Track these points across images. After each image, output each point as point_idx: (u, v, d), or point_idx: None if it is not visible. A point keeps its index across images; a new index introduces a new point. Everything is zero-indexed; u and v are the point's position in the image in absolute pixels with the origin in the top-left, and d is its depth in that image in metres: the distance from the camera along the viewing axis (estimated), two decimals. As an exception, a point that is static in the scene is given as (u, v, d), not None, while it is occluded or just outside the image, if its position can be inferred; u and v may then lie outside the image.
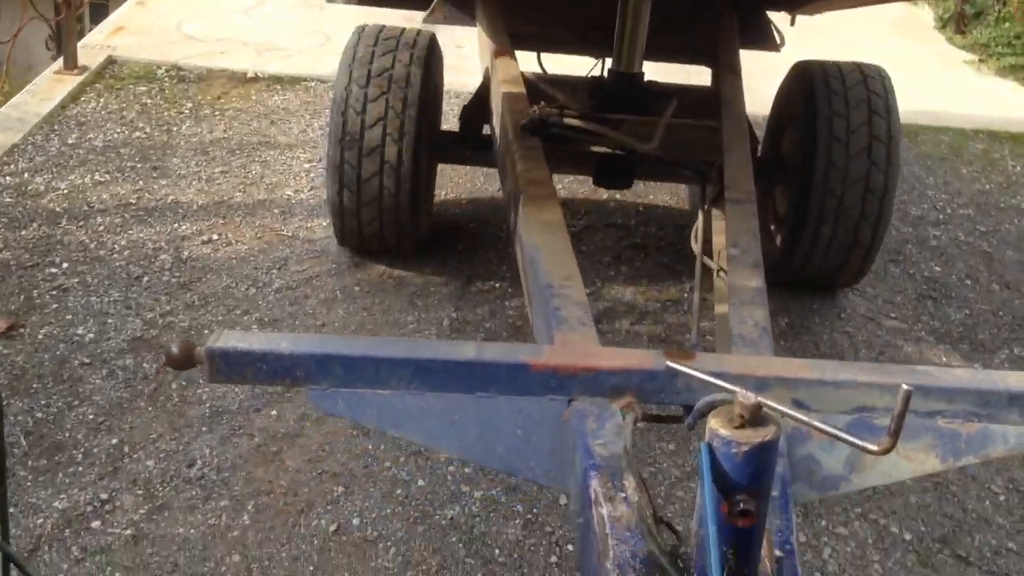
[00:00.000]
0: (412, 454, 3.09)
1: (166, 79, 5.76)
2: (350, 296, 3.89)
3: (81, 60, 5.76)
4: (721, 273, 2.71)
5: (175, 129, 5.17)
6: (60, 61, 5.61)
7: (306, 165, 4.91)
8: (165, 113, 5.35)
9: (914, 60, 7.56)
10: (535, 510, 2.92)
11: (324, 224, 4.39)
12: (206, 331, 3.60)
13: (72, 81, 5.51)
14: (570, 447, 1.70)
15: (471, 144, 4.12)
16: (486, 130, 4.05)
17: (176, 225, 4.28)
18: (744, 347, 2.14)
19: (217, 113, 5.40)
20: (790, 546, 1.49)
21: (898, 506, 3.06)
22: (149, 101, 5.47)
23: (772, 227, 4.22)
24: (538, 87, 3.86)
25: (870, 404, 1.75)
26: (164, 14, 6.59)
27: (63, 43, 5.55)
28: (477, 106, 4.09)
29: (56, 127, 5.07)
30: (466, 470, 3.05)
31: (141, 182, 4.62)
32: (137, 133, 5.09)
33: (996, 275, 4.54)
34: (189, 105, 5.47)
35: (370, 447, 3.10)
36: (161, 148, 4.96)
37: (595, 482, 1.56)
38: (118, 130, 5.10)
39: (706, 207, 3.23)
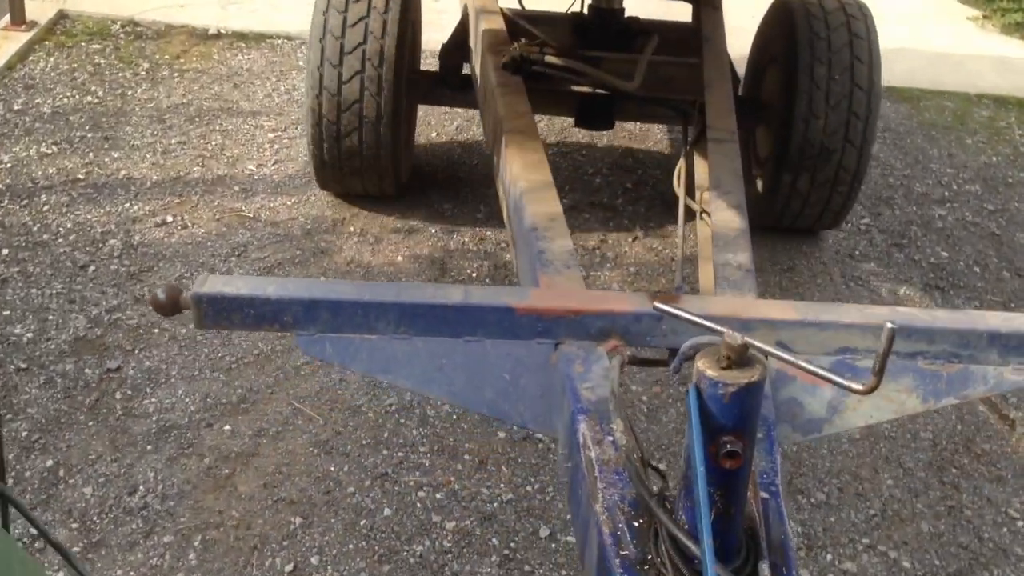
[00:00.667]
0: (377, 477, 2.82)
1: (121, 35, 5.36)
2: (315, 288, 3.58)
3: (30, 14, 5.34)
4: (704, 215, 2.66)
5: (130, 93, 4.79)
6: (7, 17, 5.20)
7: (270, 135, 4.56)
8: (120, 75, 4.96)
9: (913, 15, 7.19)
10: (512, 544, 2.66)
11: (289, 203, 4.06)
12: (155, 330, 3.30)
13: (20, 38, 5.10)
14: (558, 391, 1.69)
15: (451, 84, 4.01)
16: (466, 69, 3.93)
17: (128, 205, 3.94)
18: (728, 289, 2.11)
19: (176, 75, 5.02)
20: (775, 487, 1.48)
21: (909, 535, 2.82)
22: (103, 61, 5.07)
23: (754, 169, 4.16)
24: (517, 24, 3.71)
25: (853, 345, 1.75)
26: (122, -38, 6.14)
27: (9, -4, 5.14)
28: (456, 45, 3.97)
29: (1, 91, 4.69)
30: (437, 496, 2.78)
31: (91, 154, 4.26)
32: (89, 98, 4.71)
33: (1006, 261, 4.27)
34: (146, 66, 5.08)
35: (332, 468, 2.83)
36: (114, 115, 4.59)
37: (583, 426, 1.55)
38: (68, 94, 4.72)
39: (688, 147, 3.14)
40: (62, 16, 5.43)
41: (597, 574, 1.43)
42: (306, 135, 3.80)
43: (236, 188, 4.13)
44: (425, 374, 1.72)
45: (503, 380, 1.73)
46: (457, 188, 4.30)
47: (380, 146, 3.72)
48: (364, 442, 2.93)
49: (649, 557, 1.37)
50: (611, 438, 1.52)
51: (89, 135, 4.40)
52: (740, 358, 1.23)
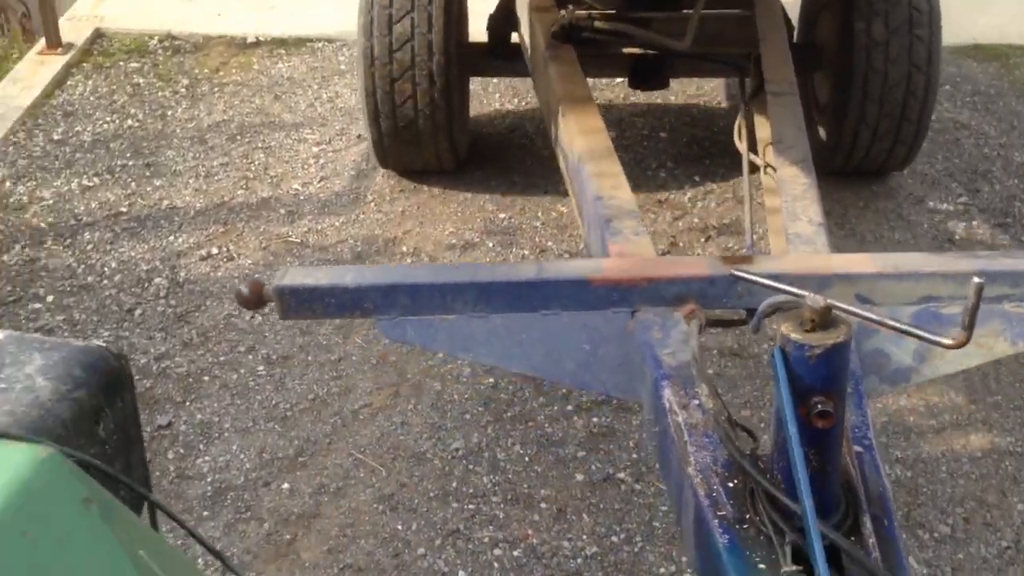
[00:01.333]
0: (448, 534, 2.61)
1: (159, 51, 5.18)
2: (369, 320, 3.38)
3: (67, 35, 5.20)
4: (769, 169, 2.61)
5: (170, 113, 4.62)
6: (43, 41, 5.06)
7: (315, 149, 4.35)
8: (159, 94, 4.79)
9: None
10: (599, 608, 2.44)
11: (337, 224, 3.86)
12: (205, 378, 3.12)
13: (56, 62, 4.96)
14: (638, 358, 1.68)
15: (501, 55, 3.98)
16: (515, 38, 3.91)
17: (172, 238, 3.77)
18: (801, 245, 2.07)
19: (216, 90, 4.83)
20: (868, 440, 1.48)
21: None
22: (142, 80, 4.91)
23: (815, 117, 4.03)
24: None
25: (935, 293, 1.73)
26: (156, -28, 5.97)
27: (44, 19, 4.99)
28: (504, 14, 3.93)
29: (40, 120, 4.55)
30: (515, 553, 2.57)
31: (133, 184, 4.10)
32: (129, 122, 4.55)
33: (1121, 236, 3.89)
34: (185, 82, 4.90)
35: (399, 527, 2.63)
36: (155, 138, 4.42)
37: (667, 391, 1.55)
38: (108, 119, 4.56)
39: (747, 102, 3.10)
40: (98, 35, 5.28)
41: (696, 536, 1.43)
42: (362, 111, 3.81)
43: (282, 211, 3.93)
44: (505, 350, 1.73)
45: (582, 351, 1.73)
46: (517, 166, 4.05)
47: (435, 113, 3.69)
48: (432, 494, 2.72)
49: (747, 516, 1.36)
50: (697, 401, 1.52)
51: (131, 163, 4.24)
52: (824, 320, 1.22)
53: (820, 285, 1.66)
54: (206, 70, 5.02)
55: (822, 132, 3.98)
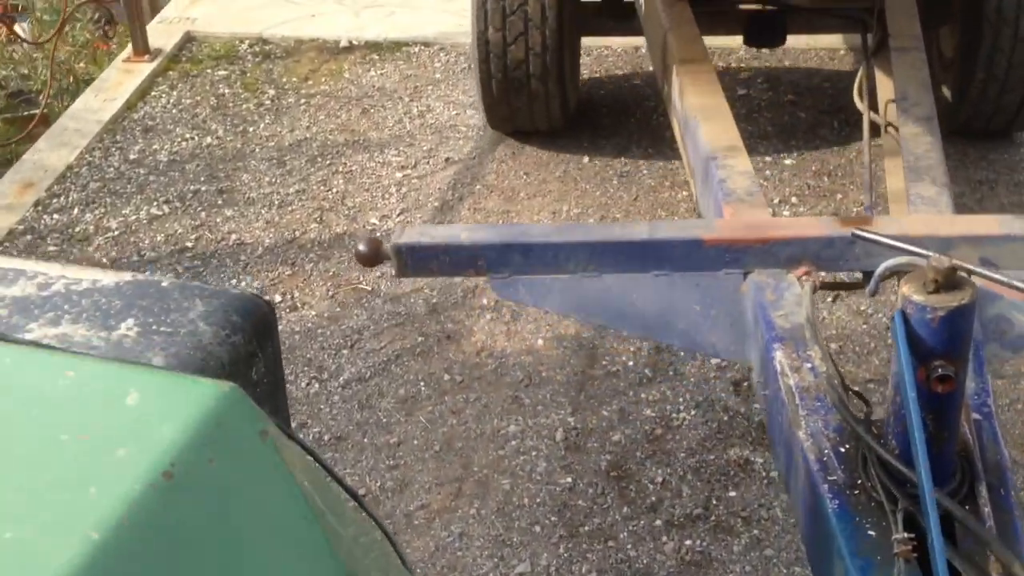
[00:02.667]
0: None
1: (249, 57, 4.87)
2: (437, 390, 2.96)
3: (157, 40, 4.93)
4: (890, 129, 2.53)
5: (251, 130, 4.29)
6: (130, 47, 4.82)
7: (398, 175, 3.94)
8: (243, 106, 4.47)
9: None
10: None
11: (413, 268, 3.45)
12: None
13: (143, 70, 4.70)
14: (750, 320, 1.65)
15: (615, 14, 3.91)
16: None
17: (235, 280, 3.44)
18: (923, 206, 2.01)
19: (303, 101, 4.48)
20: (988, 408, 1.44)
21: None
22: (227, 91, 4.60)
23: (939, 74, 3.78)
24: None
25: None
26: (253, -31, 5.66)
27: (131, 25, 4.74)
28: None
29: (119, 137, 4.30)
30: None
31: (203, 214, 3.79)
32: (208, 139, 4.25)
33: None
34: (271, 92, 4.56)
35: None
36: (232, 159, 4.11)
37: (779, 353, 1.52)
38: (188, 136, 4.27)
39: (869, 58, 3.00)
40: (188, 39, 5.00)
41: (804, 500, 1.39)
42: (474, 74, 3.80)
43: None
44: (617, 310, 1.71)
45: (694, 312, 1.70)
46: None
47: (547, 72, 3.62)
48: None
49: (859, 482, 1.33)
50: (809, 365, 1.48)
51: (203, 188, 3.93)
52: (948, 281, 1.18)
53: (943, 247, 1.57)
54: (294, 79, 4.68)
55: (946, 91, 3.79)
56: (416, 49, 4.86)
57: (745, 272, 1.70)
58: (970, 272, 1.23)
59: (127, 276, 1.17)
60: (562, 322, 3.17)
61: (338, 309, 3.28)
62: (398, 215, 3.72)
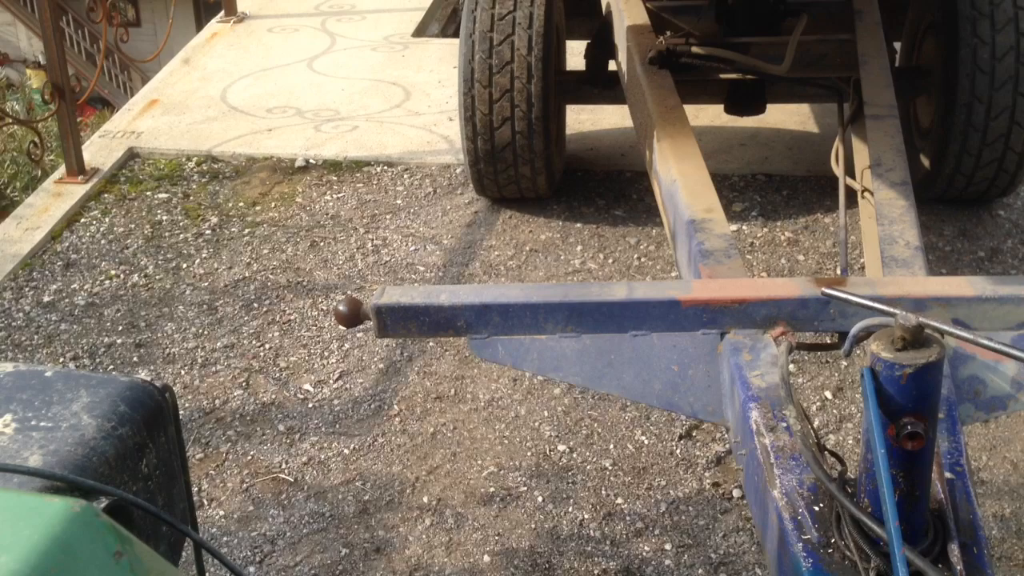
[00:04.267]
0: None
1: (195, 177, 4.42)
2: (356, 627, 2.43)
3: (97, 156, 4.50)
4: (866, 194, 2.57)
5: (185, 266, 3.82)
6: (64, 167, 4.38)
7: (342, 328, 3.45)
8: (180, 236, 4.01)
9: None
10: None
11: (346, 452, 2.93)
12: None
13: (74, 193, 4.25)
14: (726, 380, 1.67)
15: (598, 82, 3.95)
16: (612, 66, 3.91)
17: (137, 464, 2.94)
18: (897, 268, 2.06)
19: (246, 232, 4.02)
20: (961, 467, 1.44)
21: None
22: (165, 217, 4.14)
23: (916, 142, 3.94)
24: (661, 16, 3.65)
25: None
26: (210, 75, 5.23)
27: (64, 143, 4.31)
28: (601, 42, 3.92)
29: (35, 273, 3.83)
30: None
31: (114, 373, 3.30)
32: (135, 277, 3.77)
33: None
34: (214, 220, 4.10)
35: None
36: (159, 303, 3.63)
37: (755, 413, 1.53)
38: (113, 272, 3.80)
39: (845, 126, 3.04)
40: (131, 156, 4.56)
41: (779, 558, 1.40)
42: (460, 133, 3.80)
43: (281, 427, 3.03)
44: (595, 371, 1.73)
45: (671, 372, 1.72)
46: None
47: (532, 138, 3.65)
48: None
49: (832, 541, 1.33)
50: (784, 424, 1.49)
51: (119, 340, 3.44)
52: (915, 338, 1.20)
53: (916, 307, 1.61)
54: (241, 204, 4.22)
55: (923, 159, 3.85)
56: (378, 169, 4.41)
57: (722, 332, 1.71)
58: (938, 330, 1.24)
59: (8, 367, 1.09)
60: (512, 533, 2.64)
61: (251, 508, 2.76)
62: (336, 379, 3.21)
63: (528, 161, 3.74)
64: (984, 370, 1.66)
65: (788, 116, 4.66)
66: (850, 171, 2.79)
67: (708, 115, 4.55)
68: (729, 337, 1.70)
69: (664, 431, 2.95)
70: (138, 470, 1.07)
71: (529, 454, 2.89)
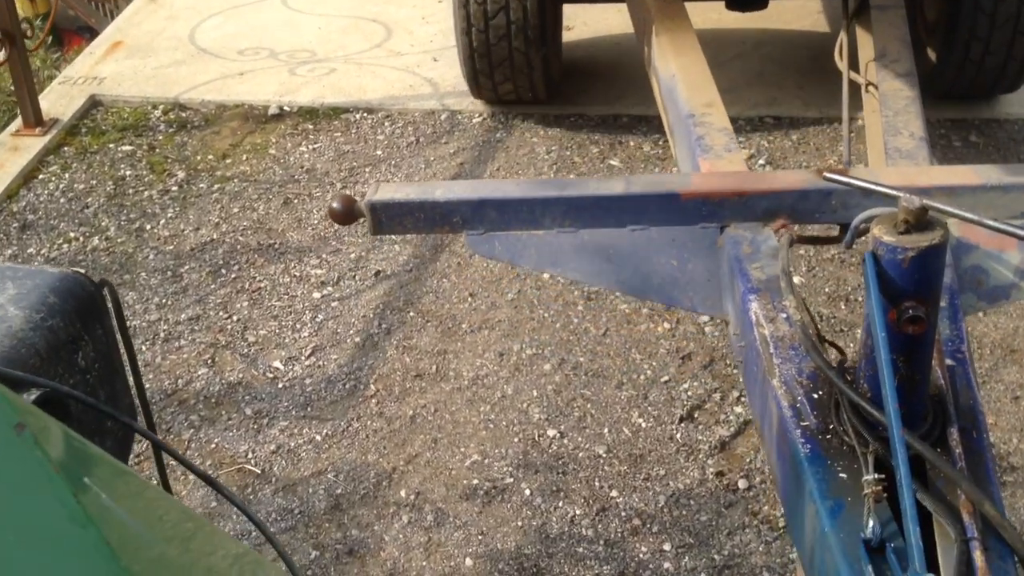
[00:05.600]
0: None
1: (161, 127, 4.10)
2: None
3: (56, 105, 4.18)
4: (870, 88, 2.53)
5: (149, 227, 3.53)
6: (20, 119, 4.05)
7: (316, 295, 3.18)
8: (145, 194, 3.71)
9: None
10: None
11: (319, 438, 2.68)
12: None
13: (32, 147, 3.93)
14: (726, 273, 1.67)
15: None
16: None
17: (92, 454, 2.70)
18: (901, 160, 2.01)
19: (215, 188, 3.71)
20: (962, 354, 1.44)
21: None
22: (129, 172, 3.84)
23: (922, 37, 3.77)
24: None
25: None
26: (178, 13, 4.84)
27: (17, 91, 3.98)
28: None
29: (-11, 237, 3.55)
30: None
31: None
32: (95, 240, 3.49)
33: None
34: (180, 175, 3.80)
35: None
36: (120, 270, 3.34)
37: (754, 305, 1.54)
38: (72, 234, 3.51)
39: (849, 18, 2.98)
40: (93, 104, 4.23)
41: (777, 446, 1.40)
42: (454, 25, 3.67)
43: (248, 411, 2.78)
44: (593, 266, 1.72)
45: (670, 266, 1.72)
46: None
47: (527, 28, 3.55)
48: None
49: (831, 427, 1.34)
50: (784, 315, 1.50)
51: (77, 312, 3.17)
52: (919, 221, 1.19)
53: (919, 195, 1.36)
54: (210, 156, 3.91)
55: (930, 53, 3.74)
56: (357, 116, 4.09)
57: (722, 226, 1.70)
58: (941, 212, 1.23)
59: None
60: (497, 532, 2.41)
61: (214, 504, 2.52)
62: (309, 354, 2.95)
63: (524, 53, 3.61)
64: (987, 259, 1.65)
65: (796, 48, 4.31)
66: (855, 66, 2.71)
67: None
68: (729, 231, 1.68)
69: (663, 412, 2.70)
70: (73, 363, 1.04)
71: (516, 440, 2.64)
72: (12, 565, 0.72)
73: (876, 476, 1.21)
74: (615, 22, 4.51)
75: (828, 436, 1.33)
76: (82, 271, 1.13)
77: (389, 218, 1.68)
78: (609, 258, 1.71)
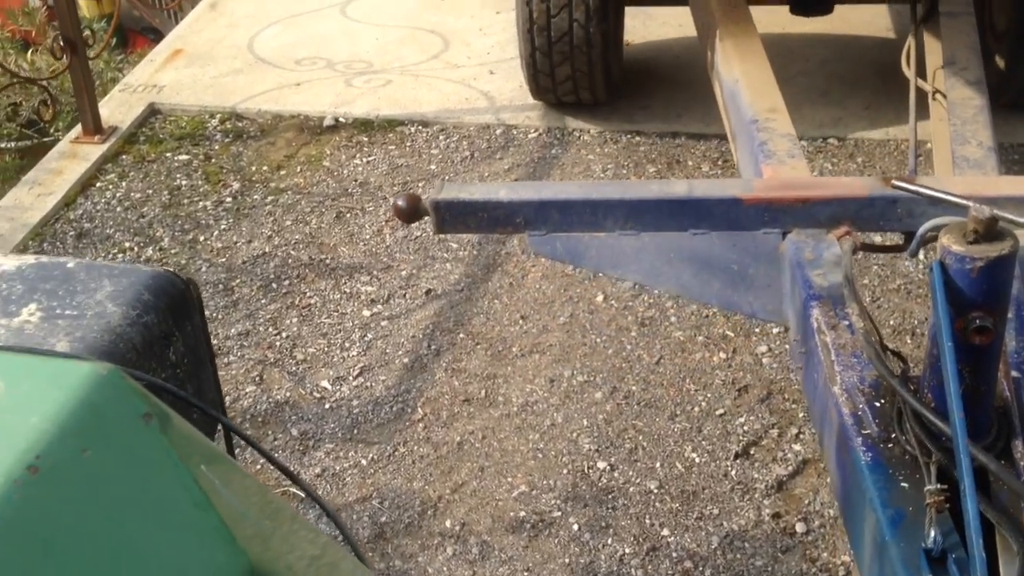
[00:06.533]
0: None
1: (217, 136, 4.09)
2: None
3: (116, 112, 4.19)
4: (937, 95, 2.49)
5: (203, 239, 3.52)
6: (80, 126, 4.08)
7: (366, 313, 3.13)
8: (200, 204, 3.70)
9: None
10: None
11: (364, 463, 2.63)
12: None
13: (91, 155, 3.95)
14: (788, 279, 1.65)
15: None
16: None
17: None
18: (968, 169, 1.97)
19: (269, 200, 3.69)
20: None
21: None
22: (185, 182, 3.84)
23: (991, 45, 3.61)
24: None
25: None
26: (238, 21, 4.85)
27: (79, 99, 4.00)
28: None
29: (46, 245, 3.53)
30: None
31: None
32: (149, 251, 3.48)
33: None
34: (235, 186, 3.79)
35: None
36: (173, 280, 3.34)
37: (816, 311, 1.51)
38: (127, 246, 3.51)
39: (917, 25, 2.95)
40: (152, 112, 4.24)
41: (838, 454, 1.38)
42: (517, 25, 3.66)
43: (294, 431, 2.74)
44: (653, 268, 1.72)
45: (731, 271, 1.70)
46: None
47: (590, 40, 3.54)
48: None
49: (893, 436, 1.31)
50: (846, 322, 1.47)
51: (129, 324, 3.17)
52: (988, 231, 1.17)
53: (988, 205, 1.36)
54: (265, 167, 3.89)
55: (999, 61, 3.61)
56: (412, 129, 4.04)
57: (784, 232, 1.68)
58: (1012, 223, 1.23)
59: (30, 259, 1.10)
60: (543, 568, 2.33)
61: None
62: (357, 374, 2.90)
63: (586, 54, 3.57)
64: None
65: (861, 60, 4.17)
66: (922, 73, 2.66)
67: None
68: (791, 236, 1.66)
69: (718, 447, 2.60)
70: (166, 357, 1.06)
71: (565, 471, 2.57)
72: (143, 542, 0.75)
73: (939, 487, 1.20)
74: (674, 34, 4.42)
75: (890, 445, 1.31)
76: (171, 269, 1.15)
77: (453, 217, 1.69)
78: (669, 261, 1.72)
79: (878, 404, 1.36)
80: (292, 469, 2.47)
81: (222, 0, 5.05)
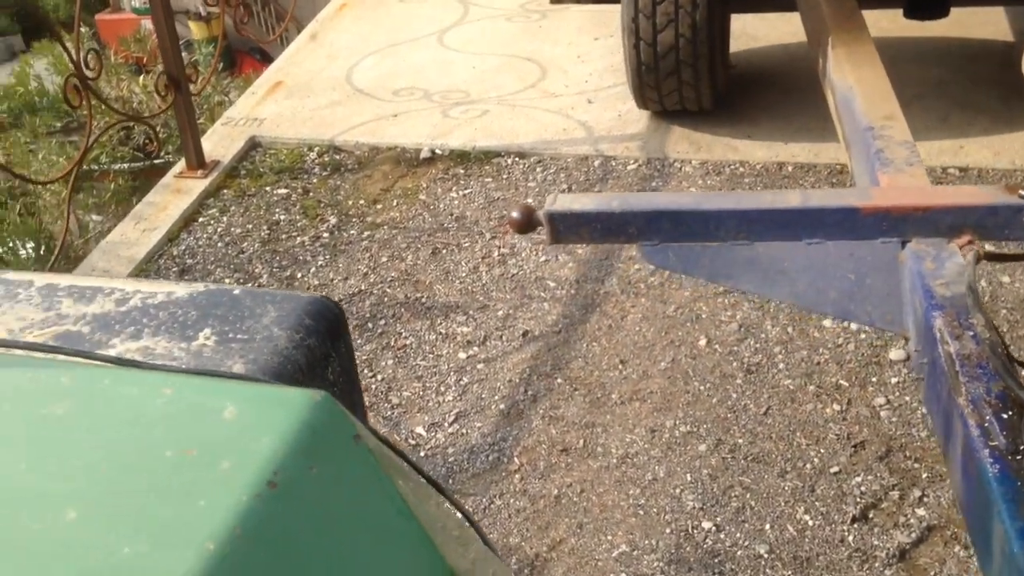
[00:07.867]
0: None
1: (316, 169, 4.10)
2: None
3: (219, 145, 4.25)
4: None
5: (300, 275, 3.51)
6: (184, 161, 4.13)
7: (461, 356, 3.05)
8: (297, 240, 3.70)
9: None
10: None
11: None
12: None
13: (194, 189, 4.00)
14: (908, 289, 1.63)
15: None
16: None
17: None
18: None
19: (365, 235, 3.66)
20: None
21: None
22: (283, 217, 3.84)
23: None
24: None
25: None
26: (337, 52, 4.86)
27: (183, 136, 4.06)
28: None
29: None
30: None
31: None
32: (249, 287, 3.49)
33: None
34: (332, 220, 3.77)
35: None
36: (270, 318, 3.33)
37: (939, 321, 1.49)
38: (227, 280, 3.52)
39: None
40: (253, 146, 4.27)
41: (963, 465, 1.37)
42: (622, 39, 3.66)
43: (389, 480, 2.69)
44: (767, 278, 1.72)
45: (847, 280, 1.69)
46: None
47: (696, 39, 3.52)
48: None
49: (1021, 448, 1.31)
50: (971, 332, 1.46)
51: (228, 363, 3.17)
52: None
53: None
54: (361, 201, 3.87)
55: None
56: (508, 161, 3.97)
57: (903, 241, 1.66)
58: None
59: (199, 287, 1.17)
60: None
61: None
62: (452, 421, 2.83)
63: (691, 64, 3.58)
64: None
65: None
66: None
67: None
68: (911, 246, 1.64)
69: (833, 509, 2.43)
70: (325, 378, 1.13)
71: (668, 531, 2.44)
72: (359, 551, 0.81)
73: None
74: (781, 57, 4.24)
75: (1019, 457, 1.30)
76: (325, 295, 1.21)
77: (567, 228, 1.72)
78: (784, 271, 1.71)
79: (1005, 416, 1.34)
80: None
81: (322, 31, 5.08)
